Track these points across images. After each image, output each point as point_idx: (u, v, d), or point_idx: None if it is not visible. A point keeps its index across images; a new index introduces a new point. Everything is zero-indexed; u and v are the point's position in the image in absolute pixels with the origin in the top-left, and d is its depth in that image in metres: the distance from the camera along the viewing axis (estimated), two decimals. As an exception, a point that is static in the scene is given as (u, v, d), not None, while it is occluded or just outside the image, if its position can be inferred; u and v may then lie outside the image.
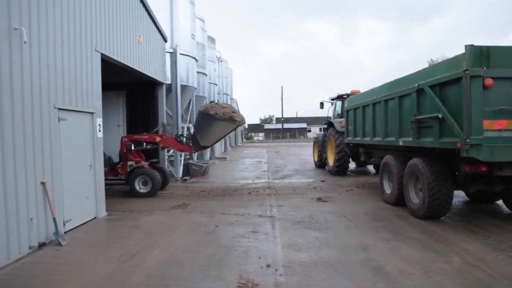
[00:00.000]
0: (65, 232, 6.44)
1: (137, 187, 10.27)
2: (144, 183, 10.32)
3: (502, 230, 6.40)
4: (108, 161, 10.74)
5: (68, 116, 6.74)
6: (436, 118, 6.44)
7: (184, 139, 11.20)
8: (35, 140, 5.81)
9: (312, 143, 19.38)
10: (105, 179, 10.65)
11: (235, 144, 41.52)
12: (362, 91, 12.23)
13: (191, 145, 10.92)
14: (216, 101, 10.40)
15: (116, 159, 11.21)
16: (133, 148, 10.66)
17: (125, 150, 10.62)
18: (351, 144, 12.54)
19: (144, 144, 10.95)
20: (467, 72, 5.71)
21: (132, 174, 10.38)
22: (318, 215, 7.76)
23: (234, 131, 40.04)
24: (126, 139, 10.77)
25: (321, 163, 16.64)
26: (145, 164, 10.73)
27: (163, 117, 12.76)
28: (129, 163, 10.63)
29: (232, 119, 10.16)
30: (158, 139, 10.90)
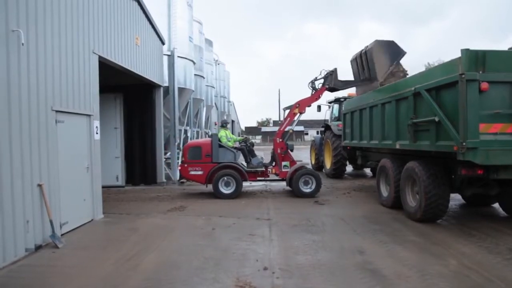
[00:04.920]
0: (62, 235, 6.41)
1: (301, 188, 10.23)
2: (305, 183, 10.29)
3: (499, 233, 6.44)
4: (261, 163, 10.80)
5: (65, 118, 6.73)
6: (433, 121, 6.48)
7: (316, 83, 10.87)
8: (32, 142, 5.78)
9: (309, 146, 19.38)
10: (255, 180, 10.89)
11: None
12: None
13: (323, 84, 10.73)
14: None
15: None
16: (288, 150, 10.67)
17: (279, 151, 10.58)
18: (348, 147, 12.57)
19: (288, 127, 10.83)
20: (463, 76, 5.75)
21: (295, 175, 10.27)
22: (315, 218, 7.77)
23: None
24: (280, 139, 10.68)
25: (318, 166, 16.64)
26: (300, 164, 10.64)
27: (160, 120, 12.76)
28: (284, 163, 10.57)
29: (385, 78, 9.84)
30: (296, 110, 10.77)
